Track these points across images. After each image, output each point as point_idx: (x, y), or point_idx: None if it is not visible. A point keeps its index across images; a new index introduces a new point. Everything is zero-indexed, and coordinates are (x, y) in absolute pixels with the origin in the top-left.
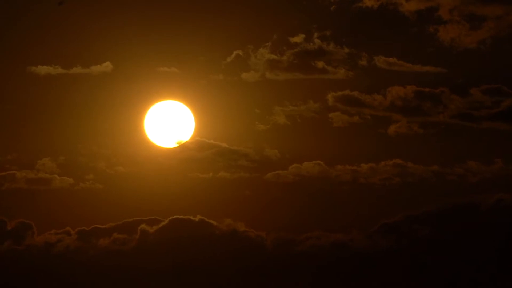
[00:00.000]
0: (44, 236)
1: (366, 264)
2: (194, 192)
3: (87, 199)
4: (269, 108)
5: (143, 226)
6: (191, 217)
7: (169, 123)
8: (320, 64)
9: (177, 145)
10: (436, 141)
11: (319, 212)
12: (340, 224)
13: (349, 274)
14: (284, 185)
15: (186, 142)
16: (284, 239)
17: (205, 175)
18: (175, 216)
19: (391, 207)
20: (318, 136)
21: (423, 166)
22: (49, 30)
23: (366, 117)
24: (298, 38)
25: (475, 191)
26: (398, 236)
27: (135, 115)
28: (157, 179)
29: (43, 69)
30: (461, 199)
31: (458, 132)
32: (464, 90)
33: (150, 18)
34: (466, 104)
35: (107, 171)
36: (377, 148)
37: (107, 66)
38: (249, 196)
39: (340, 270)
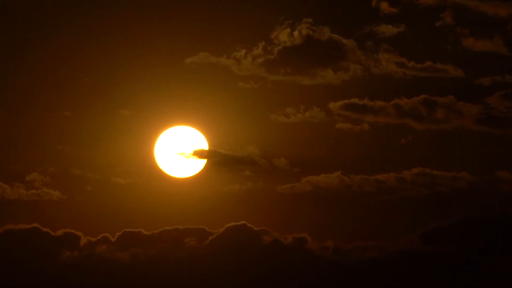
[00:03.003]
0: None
1: (421, 267)
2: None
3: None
4: (269, 114)
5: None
6: (248, 223)
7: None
8: (323, 67)
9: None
10: (448, 147)
11: (345, 223)
12: (386, 232)
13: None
14: (299, 196)
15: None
16: (337, 249)
17: (211, 186)
18: (228, 225)
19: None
20: (325, 143)
21: (449, 173)
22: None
23: (378, 125)
24: (298, 38)
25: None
26: (452, 239)
27: (145, 137)
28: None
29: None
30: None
31: (472, 139)
32: (479, 95)
33: (130, 22)
34: (480, 109)
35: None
36: (392, 157)
37: None
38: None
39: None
